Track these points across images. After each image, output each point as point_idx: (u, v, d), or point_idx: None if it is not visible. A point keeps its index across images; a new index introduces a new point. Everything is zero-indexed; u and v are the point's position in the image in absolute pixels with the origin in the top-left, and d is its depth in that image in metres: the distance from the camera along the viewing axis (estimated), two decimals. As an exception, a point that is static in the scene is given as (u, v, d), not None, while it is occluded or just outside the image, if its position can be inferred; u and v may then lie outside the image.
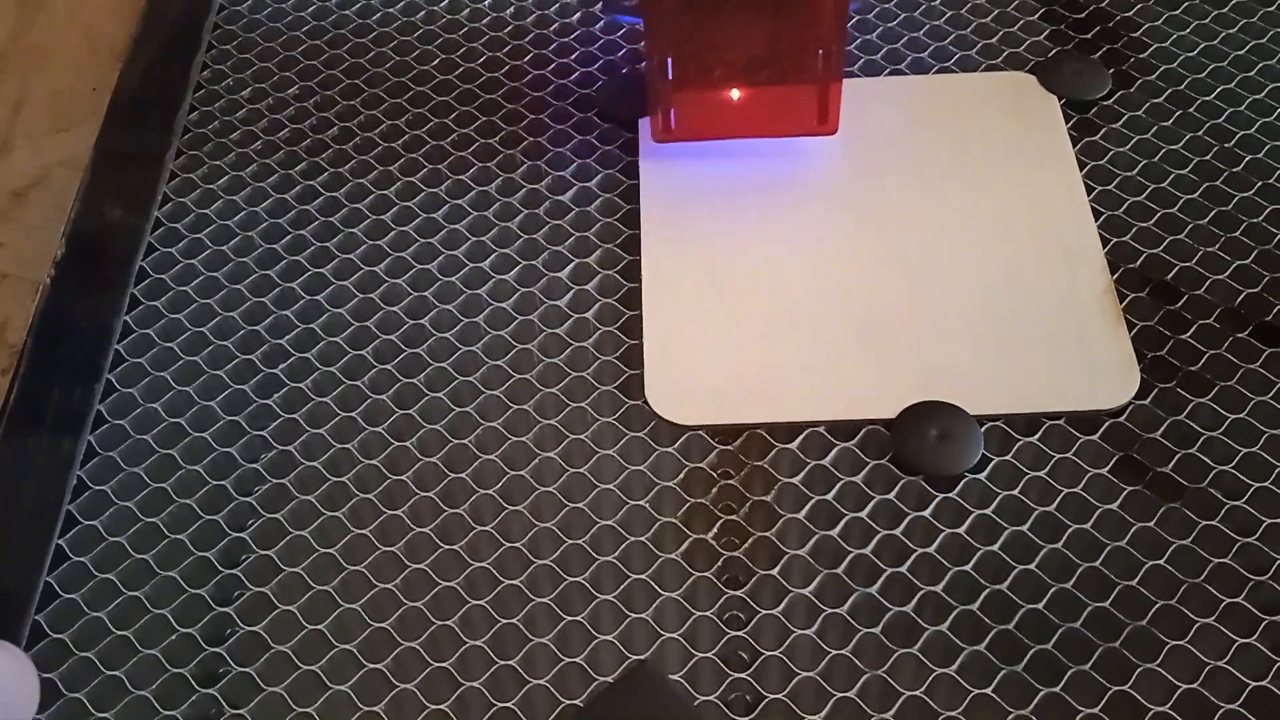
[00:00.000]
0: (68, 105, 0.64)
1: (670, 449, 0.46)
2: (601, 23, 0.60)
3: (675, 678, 0.41)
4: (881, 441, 0.45)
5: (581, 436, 0.46)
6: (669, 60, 0.50)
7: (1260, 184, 0.52)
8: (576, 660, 0.41)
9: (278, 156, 0.56)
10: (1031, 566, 0.42)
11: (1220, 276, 0.49)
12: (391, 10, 0.62)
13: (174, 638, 0.43)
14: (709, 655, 0.41)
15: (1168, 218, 0.51)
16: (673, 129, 0.53)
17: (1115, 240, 0.50)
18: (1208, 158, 0.53)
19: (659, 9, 0.49)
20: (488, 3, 0.61)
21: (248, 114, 0.58)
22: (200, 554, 0.44)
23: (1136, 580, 0.42)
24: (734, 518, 0.44)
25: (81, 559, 0.44)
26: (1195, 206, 0.51)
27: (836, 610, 0.42)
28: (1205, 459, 0.44)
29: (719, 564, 0.43)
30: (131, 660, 0.42)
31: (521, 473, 0.45)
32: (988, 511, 0.43)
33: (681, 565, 0.43)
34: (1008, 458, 0.45)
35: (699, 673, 0.41)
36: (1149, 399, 0.46)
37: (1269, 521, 0.43)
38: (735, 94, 0.52)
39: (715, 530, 0.44)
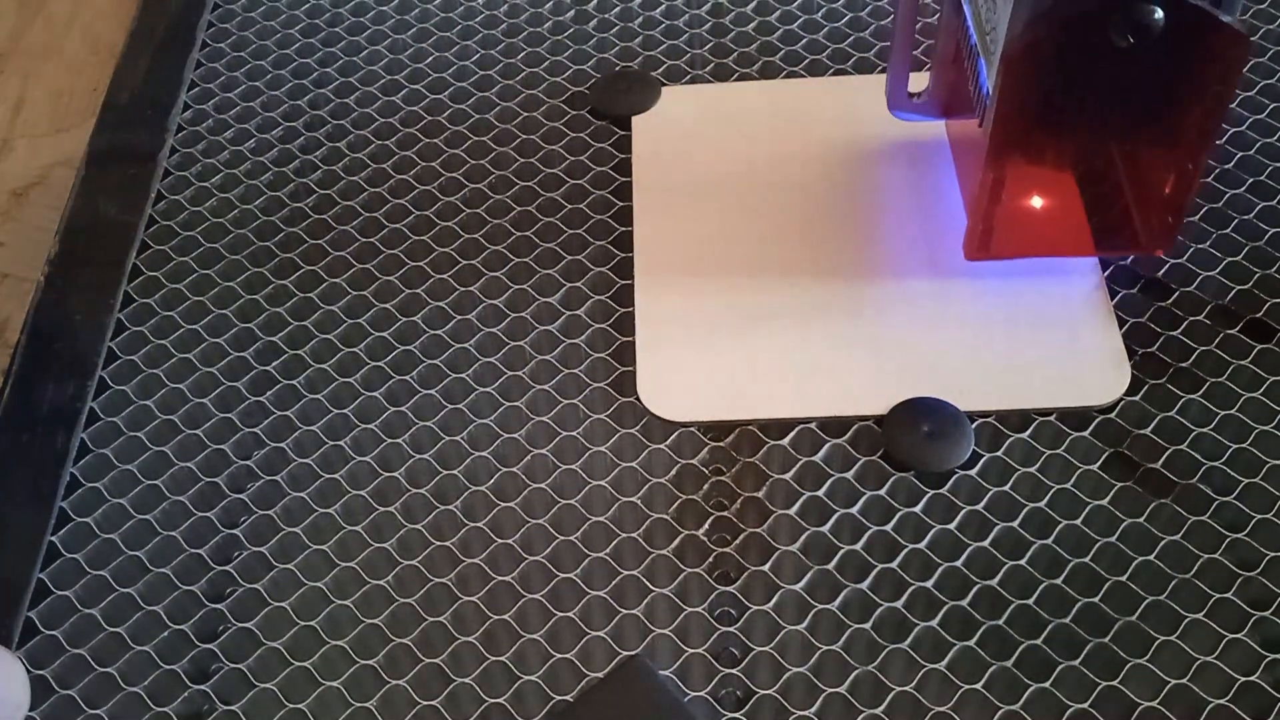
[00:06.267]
0: (68, 105, 0.64)
1: (662, 445, 0.46)
2: (595, 20, 0.60)
3: (666, 673, 0.41)
4: (872, 438, 0.45)
5: (573, 433, 0.46)
6: (1004, 176, 0.45)
7: (1251, 181, 0.52)
8: (568, 656, 0.41)
9: (271, 154, 0.56)
10: (1022, 562, 0.42)
11: (1211, 273, 0.49)
12: (385, 9, 0.62)
13: (166, 634, 0.43)
14: (700, 651, 0.41)
15: (1159, 214, 0.51)
16: (990, 247, 0.47)
17: (1107, 237, 0.50)
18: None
19: (1009, 123, 0.43)
20: (482, 0, 0.61)
21: (241, 112, 0.58)
22: (192, 550, 0.44)
23: (1126, 576, 0.42)
24: (725, 514, 0.44)
25: (74, 555, 0.44)
26: (1187, 203, 0.51)
27: (827, 606, 0.42)
28: (1195, 455, 0.44)
29: (710, 560, 0.43)
30: (124, 657, 0.42)
31: (513, 469, 0.46)
32: (978, 507, 0.43)
33: (673, 561, 0.43)
34: (998, 454, 0.45)
35: (690, 668, 0.41)
36: (1140, 395, 0.46)
37: (1259, 517, 0.43)
38: (1062, 210, 0.47)
39: (707, 526, 0.44)
